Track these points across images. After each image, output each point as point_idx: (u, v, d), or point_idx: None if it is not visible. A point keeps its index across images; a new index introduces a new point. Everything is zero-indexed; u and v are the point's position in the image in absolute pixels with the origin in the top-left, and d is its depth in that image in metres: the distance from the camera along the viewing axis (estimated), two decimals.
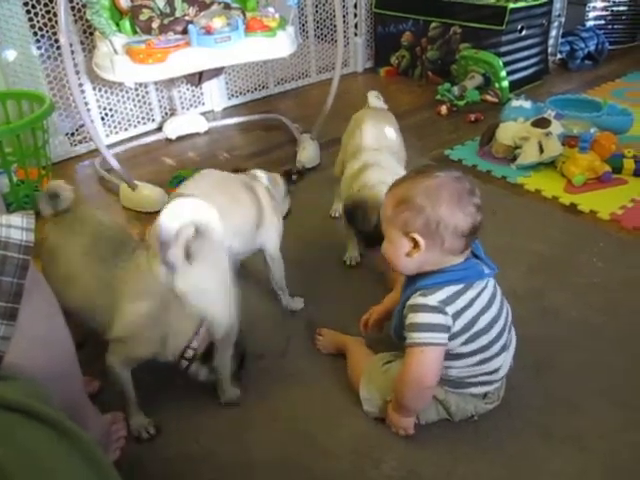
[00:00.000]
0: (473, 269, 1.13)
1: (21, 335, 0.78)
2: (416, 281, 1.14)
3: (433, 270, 1.12)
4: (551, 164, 2.33)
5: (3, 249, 0.75)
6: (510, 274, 1.66)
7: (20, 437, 0.58)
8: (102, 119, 2.77)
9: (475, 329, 1.13)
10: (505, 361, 1.21)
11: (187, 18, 2.10)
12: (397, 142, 1.84)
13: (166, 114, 3.02)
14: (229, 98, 3.25)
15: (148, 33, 2.12)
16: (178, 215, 1.06)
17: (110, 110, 2.80)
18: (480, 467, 1.17)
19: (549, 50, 3.44)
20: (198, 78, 2.33)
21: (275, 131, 2.89)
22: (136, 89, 2.84)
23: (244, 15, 2.15)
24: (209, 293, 1.17)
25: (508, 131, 2.40)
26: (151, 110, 2.95)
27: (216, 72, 2.40)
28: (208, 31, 1.98)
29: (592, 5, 3.66)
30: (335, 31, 3.53)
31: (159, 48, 1.95)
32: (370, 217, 1.55)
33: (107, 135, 2.81)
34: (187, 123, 2.85)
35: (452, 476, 1.16)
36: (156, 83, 2.87)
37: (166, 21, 2.10)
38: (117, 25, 2.20)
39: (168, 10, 2.28)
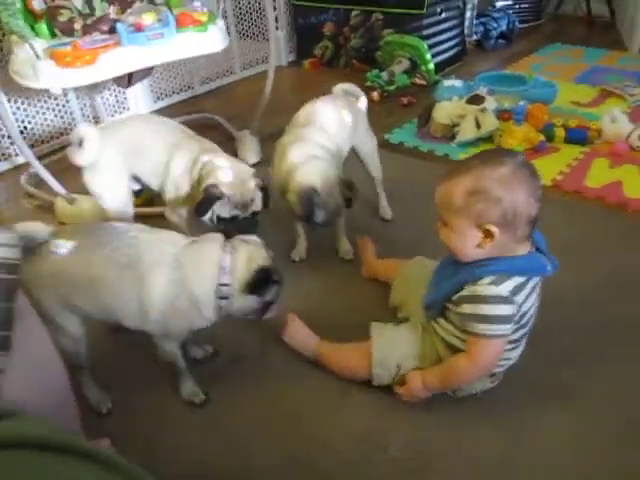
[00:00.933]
0: (538, 262, 1.11)
1: (14, 365, 0.70)
2: (475, 267, 1.10)
3: (492, 257, 1.10)
4: (489, 139, 2.40)
5: None
6: None
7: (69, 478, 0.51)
8: (21, 132, 2.58)
9: (522, 322, 1.13)
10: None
11: (112, 16, 1.98)
12: (337, 122, 1.78)
13: (90, 122, 2.85)
14: (155, 101, 3.11)
15: (70, 35, 1.98)
16: None
17: (29, 123, 2.61)
18: (484, 442, 1.19)
19: (465, 32, 3.55)
20: (128, 80, 2.21)
21: (210, 131, 2.79)
22: (55, 98, 2.67)
23: (171, 10, 2.06)
24: None
25: (444, 110, 2.45)
26: (73, 119, 2.77)
27: (146, 72, 2.29)
28: (138, 28, 1.87)
29: None
30: (256, 26, 3.50)
31: (87, 49, 1.82)
32: (328, 204, 1.54)
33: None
34: None
35: (459, 452, 1.17)
36: (76, 89, 2.70)
37: (89, 21, 1.97)
38: (32, 29, 2.04)
39: (87, 10, 2.14)
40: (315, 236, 1.81)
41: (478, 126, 2.37)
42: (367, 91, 3.02)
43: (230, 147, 2.53)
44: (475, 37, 3.66)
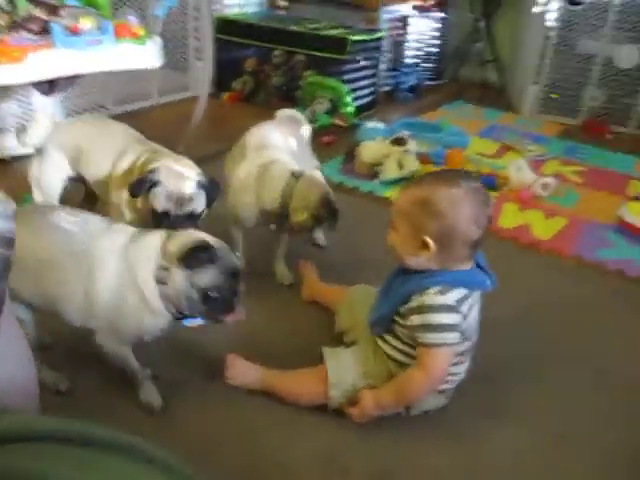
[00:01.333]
0: (478, 277, 1.17)
1: None
2: (422, 277, 1.14)
3: (437, 269, 1.14)
4: (410, 178, 2.53)
5: None
6: None
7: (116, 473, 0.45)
8: None
9: (466, 334, 1.17)
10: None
11: (43, 17, 1.86)
12: (286, 146, 1.79)
13: None
14: (65, 117, 2.92)
15: None
16: None
17: None
18: (443, 455, 1.20)
19: (378, 82, 3.76)
20: (49, 87, 2.07)
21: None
22: None
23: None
24: None
25: (369, 150, 2.55)
26: None
27: (70, 82, 2.15)
28: (74, 32, 1.78)
29: (409, 45, 4.11)
30: (175, 54, 3.45)
31: (15, 46, 1.69)
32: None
33: None
34: (14, 142, 2.49)
35: (420, 467, 1.17)
36: None
37: (17, 18, 1.83)
38: None
39: (10, 8, 1.99)
40: (250, 259, 1.76)
41: (400, 166, 2.49)
42: None
43: None
44: (386, 88, 3.88)
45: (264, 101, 3.55)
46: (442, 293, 1.12)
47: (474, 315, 1.19)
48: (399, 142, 2.52)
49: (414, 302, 1.14)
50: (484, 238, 1.14)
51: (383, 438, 1.23)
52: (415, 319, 1.14)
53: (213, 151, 2.34)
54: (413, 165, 2.47)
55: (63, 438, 0.45)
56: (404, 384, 1.19)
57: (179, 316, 1.16)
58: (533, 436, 1.27)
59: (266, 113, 3.43)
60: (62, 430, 0.46)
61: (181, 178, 1.44)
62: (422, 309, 1.13)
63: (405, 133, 2.61)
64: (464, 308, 1.14)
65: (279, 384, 1.31)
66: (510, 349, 1.53)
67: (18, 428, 0.46)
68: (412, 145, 2.53)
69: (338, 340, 1.46)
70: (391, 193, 2.43)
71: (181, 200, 1.43)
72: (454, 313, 1.12)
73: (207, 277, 1.10)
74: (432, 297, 1.12)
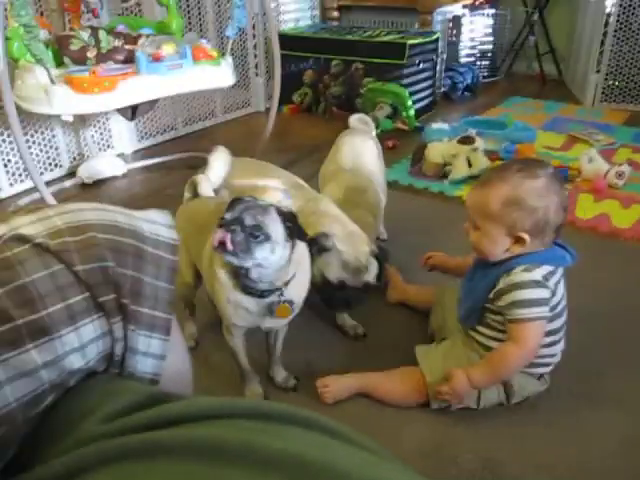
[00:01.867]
0: (558, 254, 1.20)
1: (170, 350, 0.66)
2: (505, 263, 1.17)
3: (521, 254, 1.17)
4: (478, 177, 2.52)
5: (156, 248, 0.61)
6: None
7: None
8: (4, 166, 2.48)
9: (557, 310, 1.19)
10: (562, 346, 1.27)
11: (128, 47, 1.99)
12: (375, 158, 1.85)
13: (74, 159, 2.78)
14: (139, 140, 3.09)
15: (82, 63, 1.97)
16: None
17: (13, 156, 2.52)
18: (549, 448, 1.21)
19: (436, 84, 3.77)
20: (132, 112, 2.20)
21: (199, 169, 2.80)
22: (42, 132, 2.60)
23: None
24: None
25: (437, 150, 2.57)
26: (58, 155, 2.70)
27: (150, 105, 2.29)
28: (157, 58, 1.89)
29: (463, 44, 4.11)
30: (236, 72, 3.58)
31: (106, 76, 1.82)
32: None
33: (11, 184, 2.52)
34: (104, 166, 2.65)
35: (526, 459, 1.18)
36: (63, 125, 2.64)
37: (104, 50, 1.96)
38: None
39: (93, 42, 2.14)
40: None
41: (469, 165, 2.49)
42: None
43: None
44: (443, 89, 3.89)
45: (324, 111, 3.63)
46: (528, 270, 1.15)
47: (562, 292, 1.21)
48: (466, 141, 2.53)
49: (502, 284, 1.17)
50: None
51: (487, 427, 1.25)
52: (505, 298, 1.17)
53: (282, 162, 2.42)
54: (483, 163, 2.47)
55: (246, 415, 0.50)
56: (496, 359, 1.21)
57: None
58: (636, 421, 1.26)
59: (326, 123, 3.54)
60: (243, 407, 0.51)
61: (355, 244, 1.32)
62: (511, 288, 1.16)
63: (472, 131, 2.61)
64: (551, 283, 1.16)
65: (375, 388, 1.33)
66: (602, 335, 1.53)
67: (214, 406, 0.51)
68: (480, 143, 2.53)
69: (430, 339, 1.49)
70: (462, 192, 2.44)
71: (358, 270, 1.30)
72: (542, 288, 1.15)
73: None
74: (519, 275, 1.15)
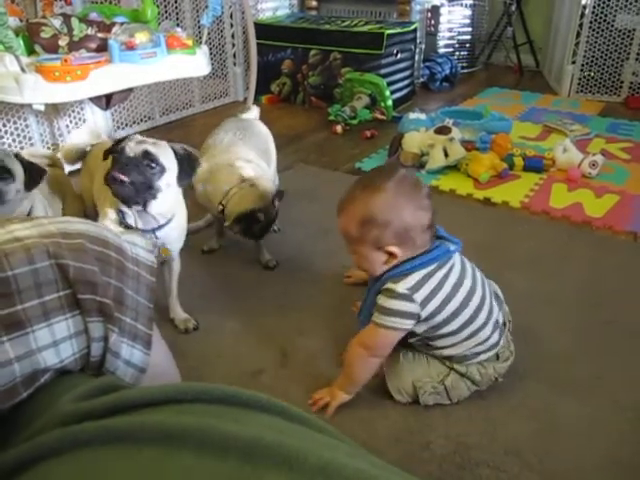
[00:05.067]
0: (440, 249, 1.18)
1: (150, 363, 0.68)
2: (381, 277, 1.19)
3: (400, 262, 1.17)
4: (454, 167, 2.55)
5: (135, 265, 0.65)
6: None
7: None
8: None
9: (452, 307, 1.18)
10: (495, 326, 1.26)
11: (101, 35, 1.96)
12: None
13: (49, 149, 2.73)
14: (115, 130, 3.05)
15: (54, 52, 1.93)
16: None
17: None
18: (513, 428, 1.23)
19: (414, 74, 3.78)
20: (106, 101, 2.17)
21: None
22: (15, 122, 2.55)
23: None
24: None
25: (414, 140, 2.58)
26: (32, 145, 2.65)
27: (125, 95, 2.25)
28: (130, 47, 1.87)
29: (442, 35, 4.12)
30: (213, 62, 3.54)
31: (78, 65, 1.79)
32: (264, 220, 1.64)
33: None
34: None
35: (495, 439, 1.21)
36: (37, 115, 2.60)
37: (76, 38, 1.93)
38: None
39: (65, 30, 2.10)
40: None
41: (446, 155, 2.51)
42: (330, 125, 3.15)
43: None
44: (422, 79, 3.90)
45: (302, 101, 3.62)
46: (395, 282, 1.15)
47: (452, 284, 1.17)
48: (443, 131, 2.54)
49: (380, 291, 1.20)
50: (435, 215, 1.16)
51: (459, 413, 1.27)
52: (377, 302, 1.19)
53: None
54: (459, 152, 2.49)
55: (208, 399, 0.51)
56: (347, 360, 1.27)
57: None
58: (600, 404, 1.29)
59: (305, 112, 3.53)
60: (207, 392, 0.52)
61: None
62: (381, 293, 1.18)
63: (448, 121, 2.63)
64: (422, 292, 1.14)
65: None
66: (569, 322, 1.56)
67: (171, 392, 0.51)
68: (456, 133, 2.54)
69: None
70: (439, 182, 2.46)
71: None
72: (404, 301, 1.14)
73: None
74: (387, 285, 1.16)
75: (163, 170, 1.28)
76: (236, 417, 0.50)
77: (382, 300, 1.17)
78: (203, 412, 0.49)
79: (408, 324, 1.17)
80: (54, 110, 2.61)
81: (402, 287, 1.14)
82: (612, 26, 3.52)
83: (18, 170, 1.33)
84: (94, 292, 0.58)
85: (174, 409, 0.49)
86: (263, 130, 2.01)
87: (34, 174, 1.37)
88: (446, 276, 1.17)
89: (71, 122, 2.81)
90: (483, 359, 1.27)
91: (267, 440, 0.43)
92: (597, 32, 3.57)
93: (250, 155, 1.77)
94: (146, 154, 1.25)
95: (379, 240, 1.13)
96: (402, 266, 1.16)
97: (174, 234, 1.42)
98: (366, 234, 1.13)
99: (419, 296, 1.14)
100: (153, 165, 1.25)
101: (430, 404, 1.28)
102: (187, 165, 1.35)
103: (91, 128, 1.66)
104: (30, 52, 2.02)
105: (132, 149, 1.25)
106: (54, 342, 0.56)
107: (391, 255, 1.15)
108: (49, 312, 0.56)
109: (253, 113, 2.10)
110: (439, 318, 1.18)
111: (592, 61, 3.66)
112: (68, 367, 0.59)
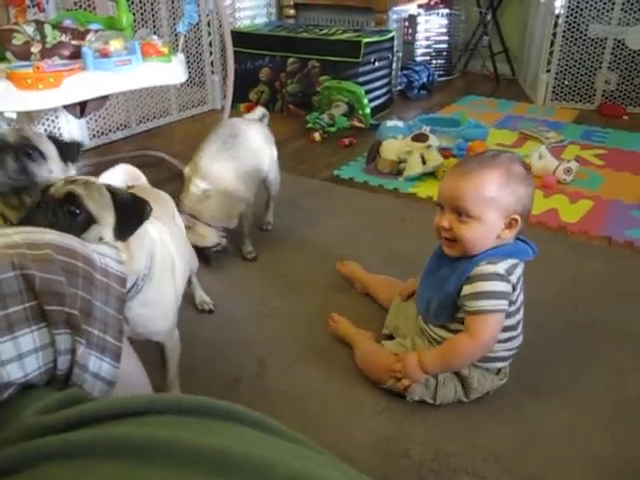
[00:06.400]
0: (522, 247, 1.22)
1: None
2: (468, 258, 1.19)
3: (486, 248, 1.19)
4: (432, 174, 2.56)
5: (106, 277, 0.63)
6: None
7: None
8: None
9: (517, 305, 1.21)
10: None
11: (75, 42, 1.93)
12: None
13: None
14: (90, 138, 3.01)
15: (26, 59, 1.90)
16: None
17: None
18: (492, 434, 1.23)
19: (392, 82, 3.80)
20: (80, 110, 2.14)
21: (154, 167, 2.74)
22: None
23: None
24: None
25: (392, 148, 2.59)
26: None
27: (100, 103, 2.22)
28: (104, 54, 1.84)
29: (419, 43, 4.16)
30: (191, 70, 3.53)
31: (51, 72, 1.76)
32: None
33: None
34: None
35: (474, 445, 1.20)
36: (9, 123, 2.56)
37: (48, 45, 1.91)
38: None
39: (38, 37, 2.07)
40: None
41: (424, 162, 2.52)
42: (308, 132, 3.15)
43: (179, 184, 2.49)
44: (399, 87, 3.93)
45: (281, 109, 3.62)
46: (493, 263, 1.16)
47: (521, 287, 1.23)
48: (420, 138, 2.56)
49: (470, 277, 1.18)
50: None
51: (438, 420, 1.26)
52: (466, 289, 1.18)
53: None
54: (436, 160, 2.50)
55: (179, 411, 0.50)
56: (452, 349, 1.23)
57: None
58: (578, 410, 1.30)
59: (283, 120, 3.53)
60: (178, 403, 0.50)
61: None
62: (473, 279, 1.17)
63: (425, 129, 2.65)
64: (513, 278, 1.18)
65: (358, 346, 1.41)
66: (547, 327, 1.57)
67: (139, 403, 0.50)
68: (433, 140, 2.56)
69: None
70: (416, 189, 2.47)
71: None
72: (503, 282, 1.16)
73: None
74: (482, 267, 1.16)
75: (90, 219, 0.90)
76: (211, 428, 0.49)
77: (482, 285, 1.15)
78: (174, 424, 0.48)
79: (507, 305, 1.18)
80: (27, 118, 2.57)
81: (502, 268, 1.16)
82: (585, 35, 3.59)
83: (51, 151, 1.27)
84: (61, 303, 0.57)
85: (141, 421, 0.48)
86: (257, 140, 1.93)
87: (69, 150, 1.33)
88: (521, 275, 1.21)
89: (45, 130, 2.78)
90: (494, 367, 1.28)
91: (235, 451, 0.42)
92: (570, 41, 3.63)
93: (223, 172, 1.81)
94: (70, 197, 0.91)
95: (511, 206, 1.14)
96: (493, 251, 1.17)
97: (147, 314, 1.03)
98: (503, 197, 1.14)
99: (512, 278, 1.17)
100: (77, 212, 0.90)
101: (415, 399, 1.28)
102: (130, 215, 0.95)
103: (127, 168, 1.44)
104: (1, 59, 1.99)
105: (56, 190, 0.93)
106: (19, 355, 0.54)
107: (510, 226, 1.16)
108: (13, 325, 0.54)
109: (257, 114, 2.06)
110: (513, 307, 1.21)
111: (566, 69, 3.72)
112: (33, 381, 0.57)
